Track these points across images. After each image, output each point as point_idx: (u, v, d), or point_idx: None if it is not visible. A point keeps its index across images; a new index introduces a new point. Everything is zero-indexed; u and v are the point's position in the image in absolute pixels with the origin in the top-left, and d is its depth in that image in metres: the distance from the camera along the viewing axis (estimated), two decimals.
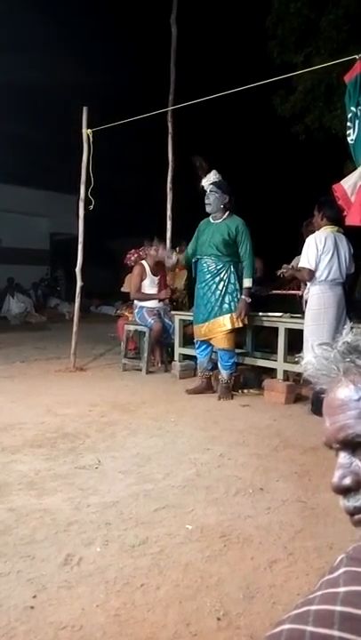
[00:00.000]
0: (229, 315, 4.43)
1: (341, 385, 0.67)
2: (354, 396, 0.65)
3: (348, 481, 0.65)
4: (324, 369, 0.68)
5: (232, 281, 4.46)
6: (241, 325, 4.47)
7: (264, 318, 4.71)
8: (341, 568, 0.52)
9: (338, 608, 0.46)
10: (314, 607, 0.48)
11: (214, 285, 4.47)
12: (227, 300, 4.45)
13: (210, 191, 4.47)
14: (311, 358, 0.70)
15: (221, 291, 4.45)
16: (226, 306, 4.44)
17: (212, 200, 4.47)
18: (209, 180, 4.49)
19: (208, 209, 4.53)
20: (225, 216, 4.50)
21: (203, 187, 4.53)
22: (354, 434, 0.65)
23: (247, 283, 4.45)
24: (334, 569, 0.53)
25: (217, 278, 4.46)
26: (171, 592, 1.72)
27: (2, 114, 10.10)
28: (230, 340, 4.48)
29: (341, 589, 0.48)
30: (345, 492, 0.66)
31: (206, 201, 4.51)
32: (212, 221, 4.56)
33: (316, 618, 0.47)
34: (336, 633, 0.45)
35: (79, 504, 2.37)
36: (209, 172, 4.54)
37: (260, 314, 4.72)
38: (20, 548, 1.97)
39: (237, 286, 4.47)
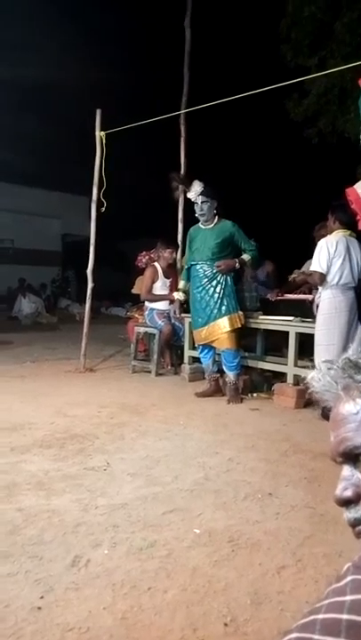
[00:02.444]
0: (228, 316, 4.47)
1: (342, 400, 0.70)
2: (353, 410, 0.68)
3: (348, 493, 0.67)
4: (328, 385, 0.72)
5: (229, 283, 4.52)
6: (239, 326, 4.50)
7: (274, 322, 4.69)
8: (348, 577, 0.52)
9: (345, 616, 0.47)
10: (321, 616, 0.48)
11: (212, 289, 4.51)
12: (225, 302, 4.49)
13: (201, 202, 4.53)
14: (315, 375, 0.73)
15: (219, 293, 4.49)
16: (224, 308, 4.48)
17: (206, 209, 4.53)
18: (197, 192, 4.54)
19: (202, 219, 4.60)
20: (216, 220, 4.57)
21: (179, 197, 4.58)
22: (352, 445, 0.67)
23: (245, 257, 4.54)
24: (341, 577, 0.53)
25: (214, 282, 4.50)
26: (178, 596, 1.71)
27: (18, 116, 10.20)
28: (233, 339, 4.50)
29: (348, 598, 0.48)
30: (346, 503, 0.68)
31: (200, 212, 4.57)
32: (202, 227, 4.62)
33: (322, 626, 0.47)
34: None
35: (87, 505, 2.37)
36: (189, 183, 4.59)
37: (271, 317, 4.71)
38: (28, 549, 1.98)
39: (234, 288, 4.55)
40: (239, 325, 4.51)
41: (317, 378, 0.73)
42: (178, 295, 5.08)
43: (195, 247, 4.62)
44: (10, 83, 9.40)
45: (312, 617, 0.49)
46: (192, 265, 4.64)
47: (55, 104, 11.22)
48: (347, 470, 0.69)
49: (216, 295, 4.50)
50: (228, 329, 4.47)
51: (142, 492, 2.54)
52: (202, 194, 4.51)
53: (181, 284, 4.96)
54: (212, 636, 1.53)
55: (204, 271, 4.54)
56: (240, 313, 4.54)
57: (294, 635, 0.48)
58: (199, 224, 4.65)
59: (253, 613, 1.63)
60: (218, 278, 4.50)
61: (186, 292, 4.91)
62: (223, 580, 1.80)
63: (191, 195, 4.57)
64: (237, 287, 4.66)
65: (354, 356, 0.72)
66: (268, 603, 1.69)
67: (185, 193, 4.70)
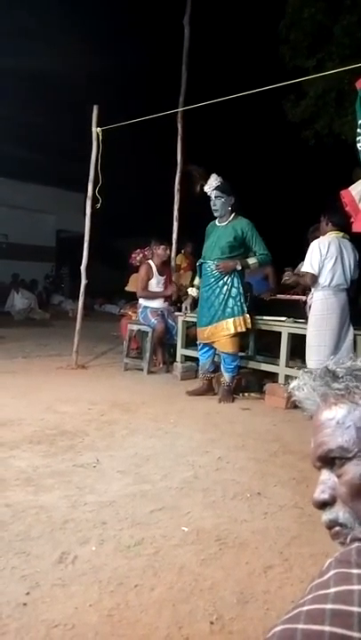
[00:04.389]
0: (232, 318, 4.40)
1: (320, 408, 0.74)
2: (329, 416, 0.72)
3: (325, 495, 0.70)
4: (308, 394, 0.76)
5: (235, 285, 4.42)
6: (244, 329, 4.44)
7: (267, 322, 4.70)
8: (331, 571, 0.53)
9: (329, 606, 0.48)
10: (305, 608, 0.49)
11: (218, 289, 4.44)
12: (230, 303, 4.41)
13: (215, 197, 4.44)
14: (297, 384, 0.77)
15: (225, 294, 4.42)
16: (229, 310, 4.41)
17: (219, 205, 4.44)
18: (211, 186, 4.44)
19: (216, 214, 4.50)
20: (231, 218, 4.47)
21: (206, 193, 4.50)
22: (327, 449, 0.70)
23: (251, 260, 4.42)
24: (323, 573, 0.54)
25: (220, 282, 4.43)
26: (164, 594, 1.71)
27: (13, 111, 10.13)
28: (234, 343, 4.46)
29: (332, 590, 0.50)
30: (323, 505, 0.70)
31: (213, 207, 4.47)
32: (218, 224, 4.53)
33: (307, 617, 0.48)
34: (327, 628, 0.46)
35: (76, 502, 2.36)
36: (207, 176, 4.51)
37: (264, 318, 4.71)
38: (15, 545, 1.97)
39: (241, 290, 4.43)
40: (243, 329, 4.41)
41: (298, 387, 0.76)
42: (191, 291, 5.02)
43: (207, 245, 4.55)
44: (5, 75, 9.34)
45: (297, 610, 0.50)
46: (203, 263, 4.59)
47: (52, 99, 11.16)
48: (324, 474, 0.72)
49: (222, 296, 4.42)
50: (231, 331, 4.39)
51: (131, 489, 2.54)
52: (217, 188, 4.41)
53: (196, 280, 4.88)
54: (198, 634, 1.53)
55: (212, 270, 4.46)
56: (246, 316, 4.42)
57: (280, 627, 0.49)
58: (216, 221, 4.56)
59: (239, 612, 1.63)
60: (224, 279, 4.41)
61: (200, 288, 4.82)
62: (210, 579, 1.80)
63: (206, 188, 4.47)
64: None
65: (333, 365, 0.74)
66: (254, 602, 1.69)
67: (202, 186, 4.58)
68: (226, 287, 4.42)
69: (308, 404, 0.76)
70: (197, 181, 4.53)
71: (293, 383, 0.78)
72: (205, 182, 4.50)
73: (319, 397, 0.74)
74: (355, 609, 0.46)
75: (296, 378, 0.79)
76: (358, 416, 0.69)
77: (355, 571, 0.51)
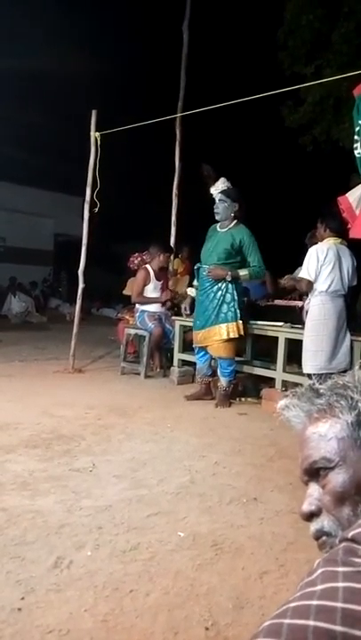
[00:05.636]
0: (225, 324, 4.37)
1: (306, 425, 0.77)
2: (313, 431, 0.76)
3: (311, 507, 0.73)
4: (295, 413, 0.79)
5: (230, 291, 4.39)
6: (237, 336, 4.40)
7: (264, 327, 4.70)
8: (319, 569, 0.55)
9: (314, 602, 0.49)
10: (292, 604, 0.51)
11: (212, 294, 4.43)
12: (224, 309, 4.39)
13: (219, 200, 4.41)
14: (284, 404, 0.81)
15: (219, 300, 4.39)
16: (222, 315, 4.38)
17: (221, 209, 4.41)
18: (218, 189, 4.42)
19: (217, 217, 4.48)
20: (232, 225, 4.44)
21: (212, 195, 4.49)
22: (311, 460, 0.73)
23: (242, 271, 4.37)
24: (312, 572, 0.56)
25: (215, 287, 4.41)
26: (160, 599, 1.70)
27: (11, 114, 10.16)
28: (228, 348, 4.44)
29: (318, 587, 0.51)
30: (310, 517, 0.73)
31: (215, 210, 4.45)
32: (218, 229, 4.52)
33: (293, 612, 0.50)
34: (311, 622, 0.48)
35: (72, 507, 2.35)
36: (217, 179, 4.50)
37: (261, 323, 4.72)
38: (10, 549, 1.96)
39: (235, 296, 4.40)
40: (236, 335, 4.37)
41: (285, 406, 0.80)
42: (190, 291, 4.98)
43: (205, 248, 4.53)
44: (3, 78, 9.36)
45: (285, 607, 0.51)
46: (200, 267, 4.57)
47: (51, 103, 11.20)
48: (311, 488, 0.75)
49: (216, 301, 4.39)
50: (223, 337, 4.36)
51: (127, 494, 2.53)
52: (222, 192, 4.39)
53: (195, 281, 4.86)
54: (193, 639, 1.52)
55: (206, 275, 4.45)
56: (239, 322, 4.37)
57: (268, 622, 0.50)
58: (217, 225, 4.53)
59: (235, 618, 1.62)
60: (219, 284, 4.38)
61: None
62: (206, 584, 1.80)
63: (212, 190, 4.44)
64: None
65: (316, 384, 0.79)
66: (249, 607, 1.69)
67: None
68: (220, 292, 4.40)
69: (295, 423, 0.80)
70: (208, 182, 4.50)
71: (281, 403, 0.82)
72: (212, 183, 4.45)
73: (304, 414, 0.78)
74: (338, 605, 0.48)
75: (291, 389, 0.84)
76: (339, 428, 0.73)
77: (340, 569, 0.53)
